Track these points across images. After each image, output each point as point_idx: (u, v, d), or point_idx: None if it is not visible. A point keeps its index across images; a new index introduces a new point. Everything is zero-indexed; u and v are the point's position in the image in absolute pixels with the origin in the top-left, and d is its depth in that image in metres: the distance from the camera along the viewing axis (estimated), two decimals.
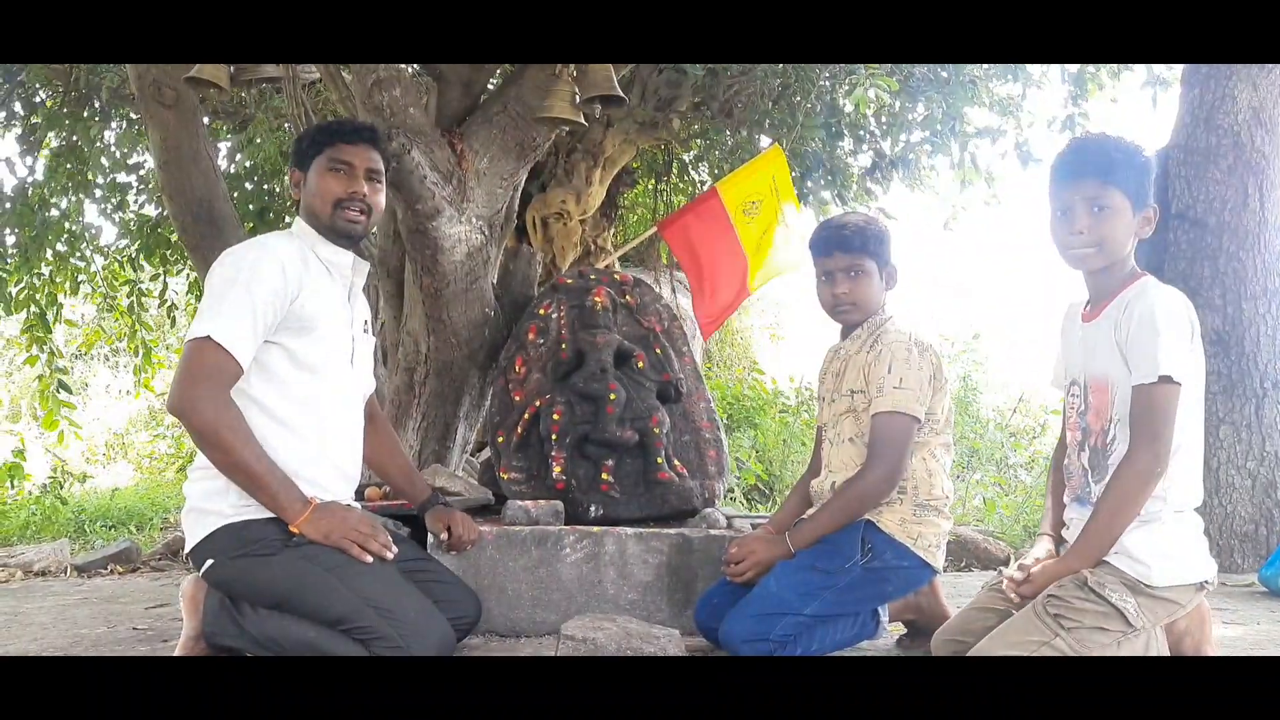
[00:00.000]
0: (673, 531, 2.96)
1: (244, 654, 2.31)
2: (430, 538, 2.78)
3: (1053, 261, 2.30)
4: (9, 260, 6.43)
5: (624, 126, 6.04)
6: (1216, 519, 4.38)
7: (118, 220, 6.97)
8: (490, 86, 4.11)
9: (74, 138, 6.17)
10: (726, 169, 6.45)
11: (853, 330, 2.67)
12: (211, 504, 2.27)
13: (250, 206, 6.57)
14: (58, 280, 7.01)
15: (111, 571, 4.74)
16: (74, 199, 6.59)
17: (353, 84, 3.40)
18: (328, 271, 2.47)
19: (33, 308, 6.72)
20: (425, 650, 2.20)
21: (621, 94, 3.44)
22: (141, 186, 6.90)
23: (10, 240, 6.38)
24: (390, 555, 2.31)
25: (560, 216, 6.59)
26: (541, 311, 3.44)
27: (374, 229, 3.31)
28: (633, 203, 8.82)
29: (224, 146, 6.86)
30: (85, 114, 6.02)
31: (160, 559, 5.05)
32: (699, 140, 7.07)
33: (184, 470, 8.49)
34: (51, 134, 6.32)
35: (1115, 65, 5.64)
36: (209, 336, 2.18)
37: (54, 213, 6.54)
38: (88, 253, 7.05)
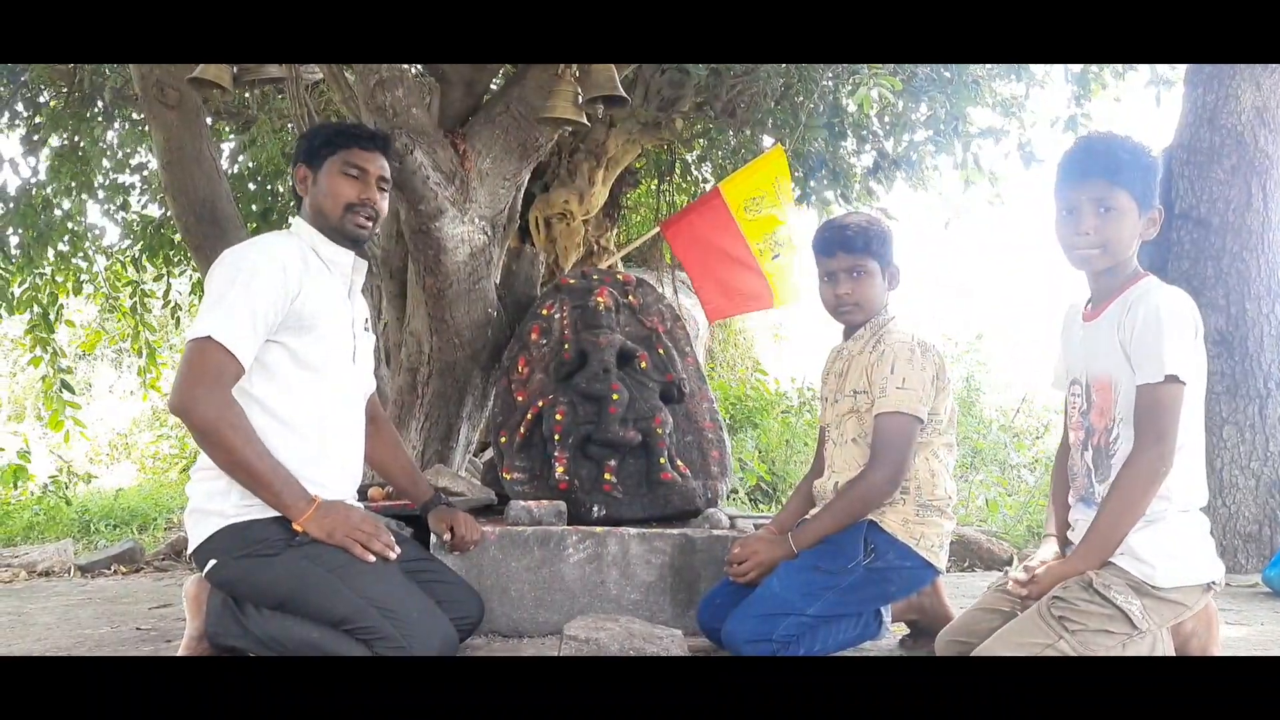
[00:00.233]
0: (675, 532, 2.96)
1: (247, 654, 2.31)
2: (433, 538, 2.78)
3: (1055, 261, 2.29)
4: (13, 260, 6.44)
5: (627, 127, 6.05)
6: (1220, 519, 4.38)
7: (120, 220, 6.97)
8: (493, 87, 4.12)
9: (77, 138, 6.18)
10: (729, 169, 6.45)
11: (855, 330, 2.67)
12: (214, 504, 2.27)
13: (253, 207, 6.59)
14: (59, 280, 7.02)
15: (115, 572, 4.74)
16: (77, 199, 6.60)
17: (355, 84, 3.40)
18: (328, 270, 2.47)
19: (35, 308, 6.74)
20: (428, 650, 2.20)
21: (624, 94, 3.44)
22: (144, 187, 6.91)
23: (14, 241, 6.39)
24: (393, 556, 2.32)
25: (563, 217, 6.60)
26: (544, 312, 3.44)
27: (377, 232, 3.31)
28: (635, 203, 8.82)
29: (227, 147, 6.87)
30: (88, 114, 6.04)
31: (163, 559, 5.05)
32: (702, 140, 7.07)
33: (187, 471, 8.50)
34: (54, 134, 6.33)
35: (1119, 65, 5.64)
36: (209, 336, 2.18)
37: (56, 213, 6.55)
38: (90, 253, 7.06)
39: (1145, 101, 5.90)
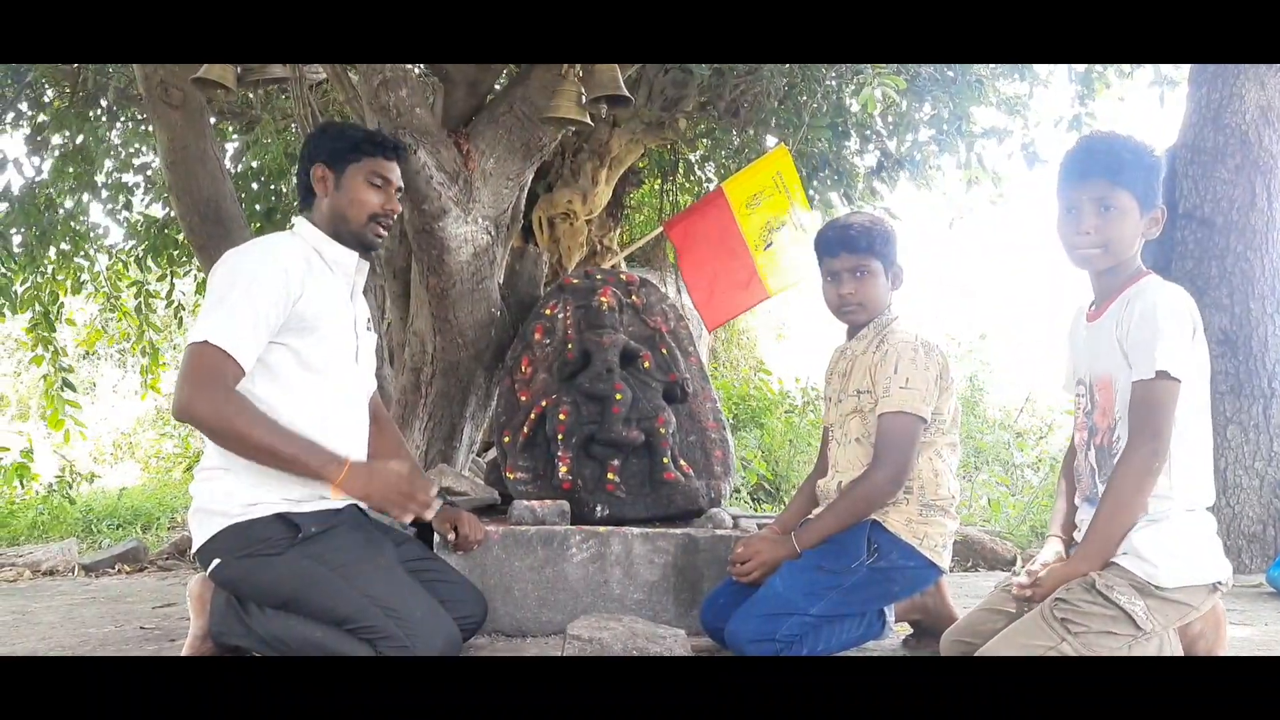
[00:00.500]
0: (679, 531, 2.96)
1: (251, 653, 2.32)
2: (436, 537, 2.78)
3: (1058, 261, 2.29)
4: (16, 259, 6.46)
5: (630, 126, 6.05)
6: (1224, 519, 4.37)
7: (123, 220, 6.98)
8: (497, 87, 4.12)
9: (80, 138, 6.19)
10: (733, 169, 6.45)
11: (859, 330, 2.67)
12: (218, 504, 2.27)
13: (257, 206, 6.59)
14: (59, 279, 7.03)
15: (119, 571, 4.75)
16: (80, 199, 6.61)
17: (359, 84, 3.40)
18: (330, 271, 2.48)
19: (37, 306, 6.75)
20: (431, 650, 2.20)
21: (628, 94, 3.44)
22: (148, 187, 6.92)
23: (17, 240, 6.40)
24: (431, 514, 2.37)
25: (566, 216, 6.60)
26: (548, 311, 3.44)
27: None
28: (639, 203, 8.82)
29: (230, 147, 6.88)
30: (92, 114, 6.04)
31: (167, 558, 5.06)
32: (705, 140, 7.06)
33: (191, 470, 8.51)
34: (58, 134, 6.34)
35: (1123, 65, 5.63)
36: (207, 340, 2.18)
37: (59, 212, 6.56)
38: (92, 252, 7.07)
39: (1149, 101, 5.89)
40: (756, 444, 7.93)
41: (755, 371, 10.69)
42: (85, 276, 7.25)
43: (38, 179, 6.43)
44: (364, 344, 2.57)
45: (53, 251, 6.65)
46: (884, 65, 4.23)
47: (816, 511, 2.66)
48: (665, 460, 3.14)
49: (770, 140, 6.04)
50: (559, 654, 2.40)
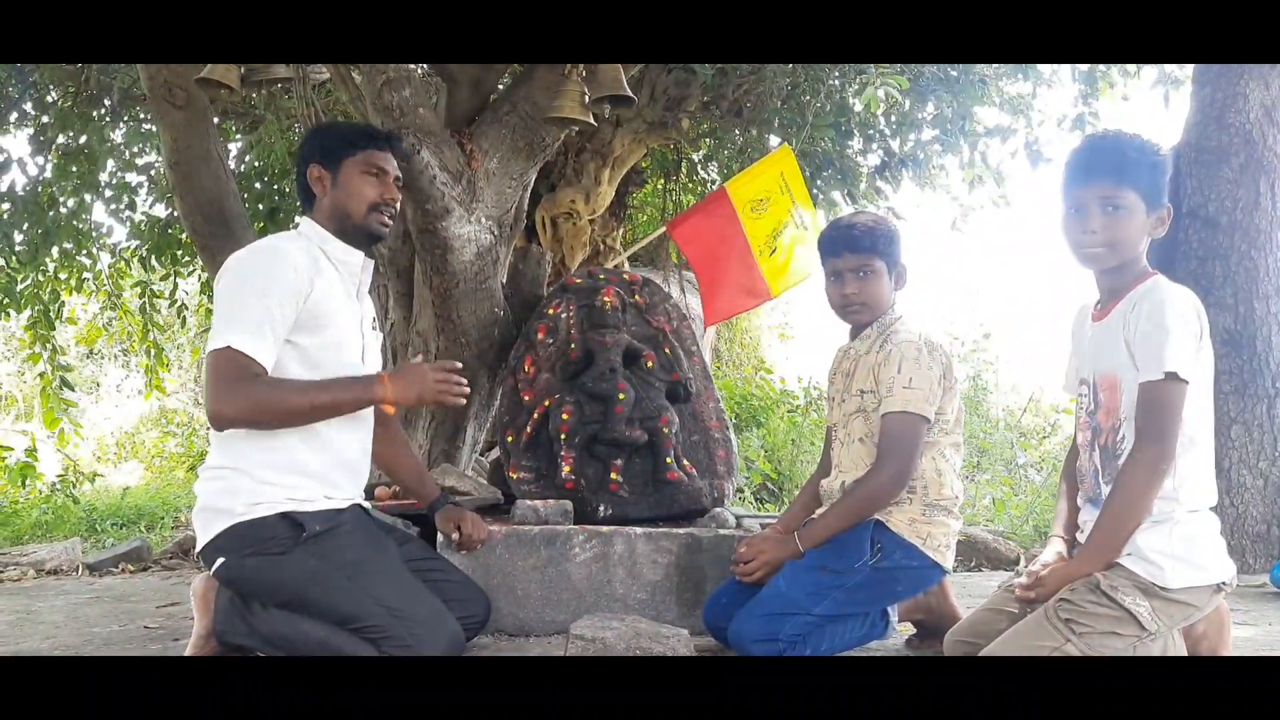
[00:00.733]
0: (682, 531, 2.96)
1: (255, 652, 2.32)
2: (440, 537, 2.78)
3: (1062, 260, 2.29)
4: (19, 258, 6.46)
5: (633, 126, 6.04)
6: (1228, 519, 4.36)
7: (126, 220, 6.99)
8: (500, 87, 4.12)
9: (84, 137, 6.19)
10: (736, 168, 6.44)
11: (862, 330, 2.67)
12: (223, 503, 2.28)
13: (260, 206, 6.59)
14: (61, 277, 7.03)
15: (123, 570, 4.76)
16: (83, 198, 6.62)
17: (362, 84, 3.40)
18: (336, 270, 2.48)
19: (37, 305, 6.76)
20: (435, 649, 2.20)
21: (631, 94, 3.44)
22: (151, 187, 6.92)
23: (18, 238, 6.41)
24: (466, 394, 2.45)
25: (569, 216, 6.59)
26: (551, 311, 3.45)
27: None
28: (642, 202, 8.81)
29: (233, 147, 6.88)
30: (95, 114, 6.05)
31: (171, 558, 5.06)
32: (708, 140, 7.06)
33: (194, 469, 8.52)
34: (62, 134, 6.34)
35: (1128, 65, 5.63)
36: (229, 345, 2.19)
37: (62, 210, 6.56)
38: (94, 250, 7.08)
39: (1153, 100, 5.88)
40: (759, 444, 7.93)
41: (757, 371, 10.68)
42: (88, 275, 7.25)
43: (41, 178, 6.44)
44: (370, 343, 2.58)
45: (55, 250, 6.65)
46: (887, 65, 4.23)
47: (820, 511, 2.66)
48: (668, 460, 3.14)
49: (773, 140, 6.03)
50: (562, 654, 2.40)
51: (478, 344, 3.74)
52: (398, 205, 2.57)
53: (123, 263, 7.43)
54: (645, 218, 9.03)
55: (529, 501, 3.00)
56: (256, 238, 4.33)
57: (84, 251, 6.92)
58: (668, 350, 3.36)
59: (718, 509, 3.15)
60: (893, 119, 6.07)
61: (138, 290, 7.33)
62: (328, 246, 2.48)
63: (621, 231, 7.61)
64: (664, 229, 5.34)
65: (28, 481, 7.03)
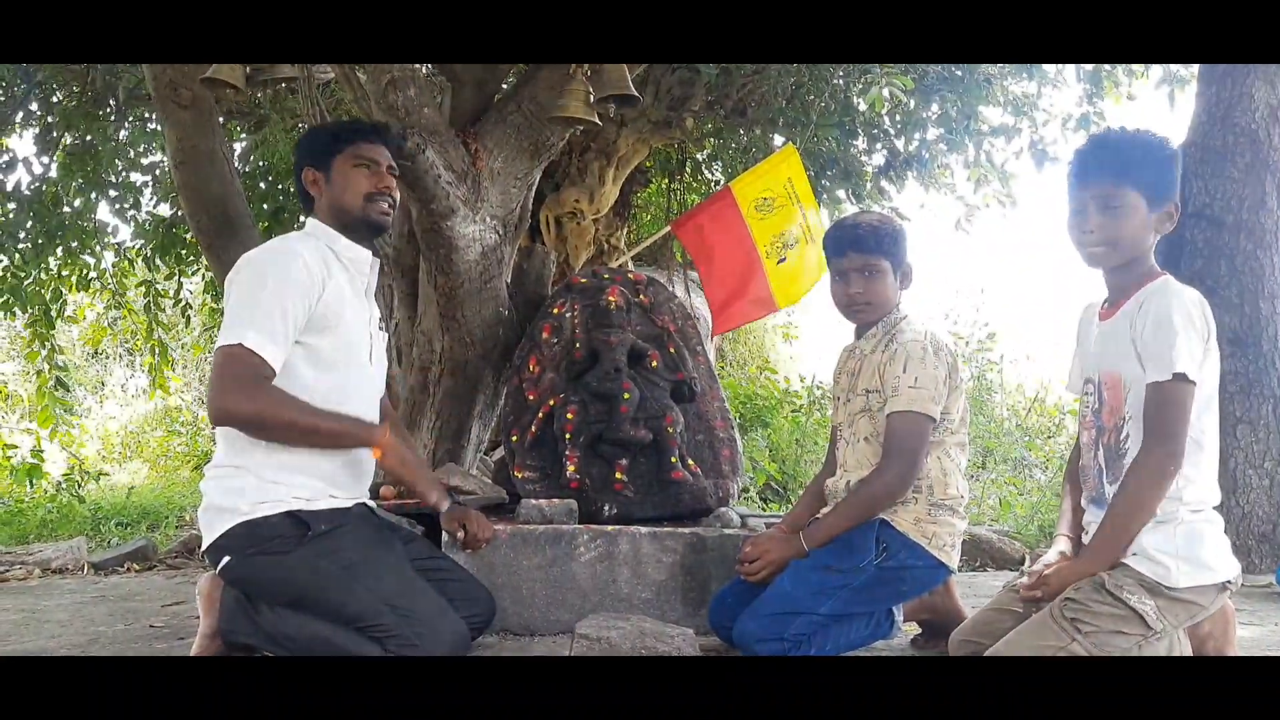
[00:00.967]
0: (687, 531, 2.96)
1: (260, 652, 2.32)
2: (445, 536, 2.78)
3: (1068, 259, 2.29)
4: (23, 257, 6.48)
5: (637, 126, 6.04)
6: (1234, 519, 4.35)
7: (131, 219, 7.00)
8: (504, 86, 4.12)
9: (89, 137, 6.21)
10: (740, 168, 6.44)
11: (868, 330, 2.66)
12: (228, 501, 2.28)
13: (264, 206, 6.61)
14: (64, 275, 7.05)
15: (128, 569, 4.76)
16: (88, 197, 6.63)
17: (367, 84, 3.40)
18: (346, 269, 2.49)
19: (39, 304, 6.77)
20: (440, 649, 2.20)
21: (636, 93, 3.44)
22: (155, 186, 6.93)
23: (22, 236, 6.42)
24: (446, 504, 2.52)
25: (573, 216, 6.60)
26: (555, 311, 3.45)
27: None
28: (646, 202, 8.81)
29: (238, 147, 6.89)
30: (101, 114, 6.06)
31: (176, 557, 5.07)
32: (712, 139, 7.06)
33: (199, 469, 8.53)
34: (67, 133, 6.36)
35: (1132, 65, 5.62)
36: (240, 343, 2.19)
37: (67, 210, 6.58)
38: (98, 249, 7.10)
39: (1159, 100, 5.87)
40: (764, 443, 7.92)
41: (762, 371, 10.67)
42: (92, 274, 7.27)
43: (46, 177, 6.45)
44: (376, 344, 2.58)
45: (59, 249, 6.67)
46: (892, 64, 4.22)
47: (825, 511, 2.66)
48: (673, 459, 3.14)
49: (778, 140, 6.03)
50: (567, 653, 2.40)
51: (482, 343, 3.74)
52: (395, 194, 2.56)
53: (127, 262, 7.44)
54: (649, 217, 9.03)
55: (534, 501, 3.00)
56: (261, 237, 4.34)
57: (89, 251, 6.94)
58: (672, 350, 3.36)
59: (722, 508, 3.15)
60: (897, 118, 6.07)
61: (142, 290, 7.34)
62: (336, 245, 2.48)
63: (625, 231, 7.62)
64: (668, 229, 5.34)
65: (33, 481, 7.04)
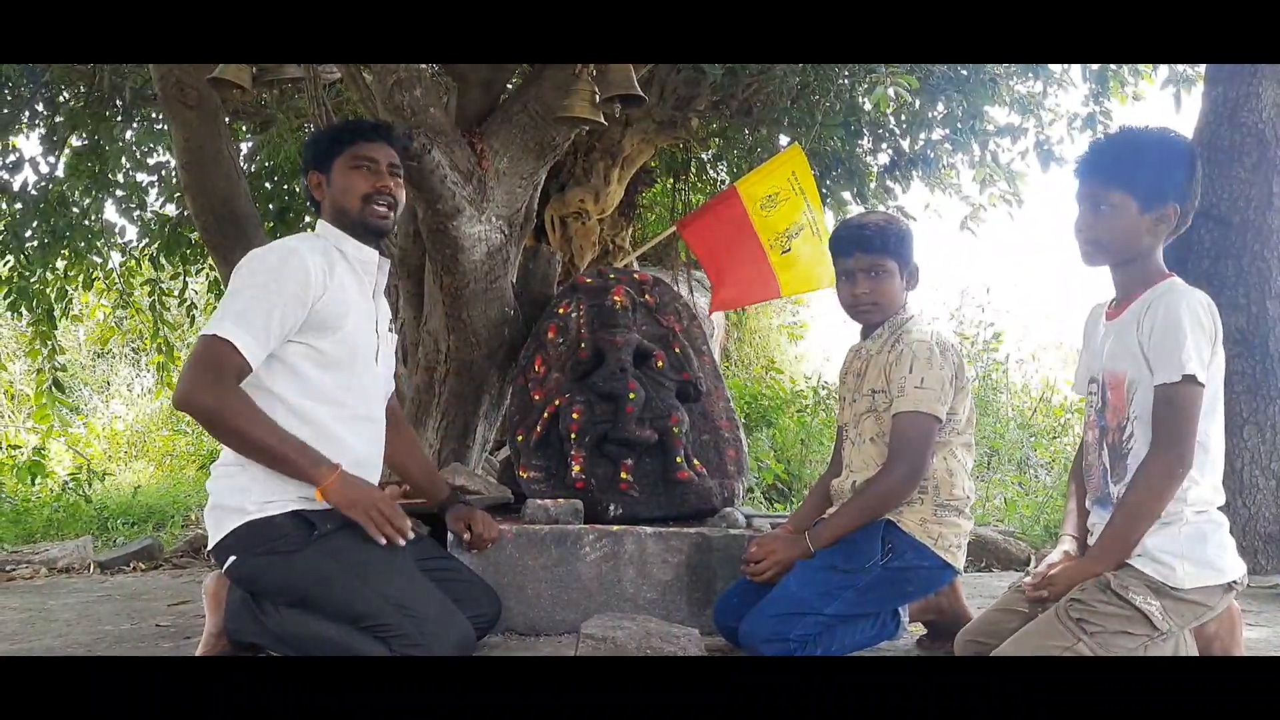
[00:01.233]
0: (692, 531, 2.96)
1: (266, 651, 2.33)
2: (450, 536, 2.79)
3: (1073, 259, 2.30)
4: (29, 257, 6.50)
5: (642, 126, 6.04)
6: (1240, 520, 4.35)
7: (138, 219, 7.02)
8: (510, 86, 4.12)
9: (96, 137, 6.22)
10: (745, 168, 6.44)
11: (874, 330, 2.66)
12: (234, 501, 2.28)
13: (270, 206, 6.61)
14: (70, 274, 7.07)
15: (134, 568, 4.78)
16: (95, 197, 6.65)
17: (373, 84, 3.41)
18: (354, 270, 2.49)
19: (43, 304, 6.79)
20: (446, 648, 2.21)
21: (641, 93, 3.44)
22: (161, 186, 6.95)
23: (28, 234, 6.44)
24: (402, 543, 2.31)
25: (578, 216, 6.60)
26: (561, 311, 3.45)
27: (395, 227, 3.33)
28: (651, 202, 8.82)
29: (244, 146, 6.90)
30: (107, 114, 6.07)
31: (182, 556, 5.08)
32: (717, 139, 7.06)
33: (204, 468, 8.55)
34: (74, 133, 6.37)
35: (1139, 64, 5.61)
36: (215, 334, 2.20)
37: (74, 210, 6.60)
38: (105, 249, 7.12)
39: (1164, 100, 5.85)
40: (769, 443, 7.92)
41: (767, 371, 10.67)
42: (99, 274, 7.29)
43: (52, 177, 6.47)
44: (384, 344, 2.58)
45: (66, 249, 6.68)
46: (897, 64, 4.22)
47: (830, 511, 2.66)
48: (678, 459, 3.14)
49: (783, 139, 6.03)
50: (572, 653, 2.40)
51: (488, 343, 3.75)
52: (396, 194, 2.54)
53: (133, 261, 7.46)
54: (654, 217, 9.04)
55: (539, 501, 3.00)
56: (267, 237, 4.35)
57: (95, 251, 6.96)
58: (678, 350, 3.36)
59: (728, 508, 3.15)
60: (902, 118, 6.06)
61: (147, 289, 7.36)
62: (344, 246, 2.49)
63: (631, 231, 7.62)
64: (674, 228, 5.35)
65: (38, 480, 7.06)
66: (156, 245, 6.82)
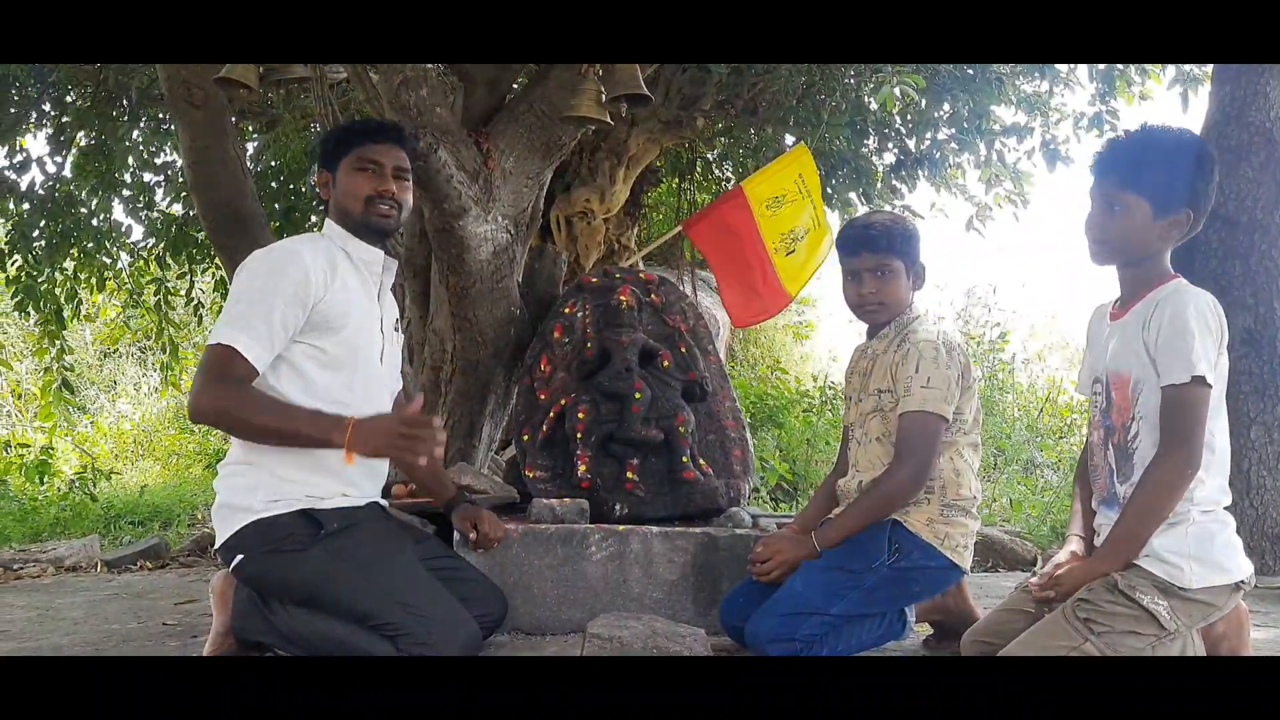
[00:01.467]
0: (698, 530, 2.96)
1: (273, 650, 2.33)
2: (456, 536, 2.79)
3: (1080, 259, 2.30)
4: (36, 257, 6.51)
5: (648, 125, 6.04)
6: (1247, 520, 4.33)
7: (144, 218, 7.04)
8: (516, 86, 4.12)
9: (103, 137, 6.24)
10: (751, 167, 6.43)
11: (880, 329, 2.66)
12: (241, 500, 2.29)
13: (276, 205, 6.62)
14: (81, 276, 7.09)
15: (141, 567, 4.79)
16: (102, 197, 6.67)
17: (379, 84, 3.41)
18: (358, 271, 2.49)
19: (51, 304, 6.81)
20: (453, 648, 2.21)
21: (647, 93, 3.44)
22: (168, 185, 6.96)
23: (35, 235, 6.46)
24: (439, 450, 2.25)
25: (584, 215, 6.59)
26: (567, 310, 3.45)
27: (401, 227, 3.33)
28: (656, 201, 8.81)
29: (250, 146, 6.91)
30: (114, 114, 6.09)
31: (188, 555, 5.09)
32: (723, 139, 7.05)
33: (210, 467, 8.56)
34: (81, 133, 6.39)
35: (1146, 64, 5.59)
36: (219, 342, 2.21)
37: (82, 210, 6.61)
38: (114, 250, 7.13)
39: (1171, 99, 5.84)
40: (775, 443, 7.92)
41: (773, 371, 10.66)
42: (109, 274, 7.31)
43: (60, 177, 6.48)
44: (389, 344, 2.58)
45: (74, 249, 6.70)
46: (903, 64, 4.21)
47: (837, 511, 2.66)
48: (684, 459, 3.14)
49: (789, 139, 6.02)
50: (579, 653, 2.40)
51: (494, 343, 3.75)
52: (401, 197, 2.53)
53: (142, 261, 7.48)
54: (660, 217, 9.03)
55: (545, 500, 3.01)
56: (273, 237, 4.36)
57: (104, 251, 6.98)
58: (684, 349, 3.36)
59: (734, 508, 3.15)
60: (908, 118, 6.05)
61: (153, 288, 7.38)
62: (349, 246, 2.49)
63: (636, 230, 7.62)
64: (679, 228, 5.34)
65: (45, 478, 7.08)
66: (162, 245, 6.84)
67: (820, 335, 12.38)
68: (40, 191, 6.39)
